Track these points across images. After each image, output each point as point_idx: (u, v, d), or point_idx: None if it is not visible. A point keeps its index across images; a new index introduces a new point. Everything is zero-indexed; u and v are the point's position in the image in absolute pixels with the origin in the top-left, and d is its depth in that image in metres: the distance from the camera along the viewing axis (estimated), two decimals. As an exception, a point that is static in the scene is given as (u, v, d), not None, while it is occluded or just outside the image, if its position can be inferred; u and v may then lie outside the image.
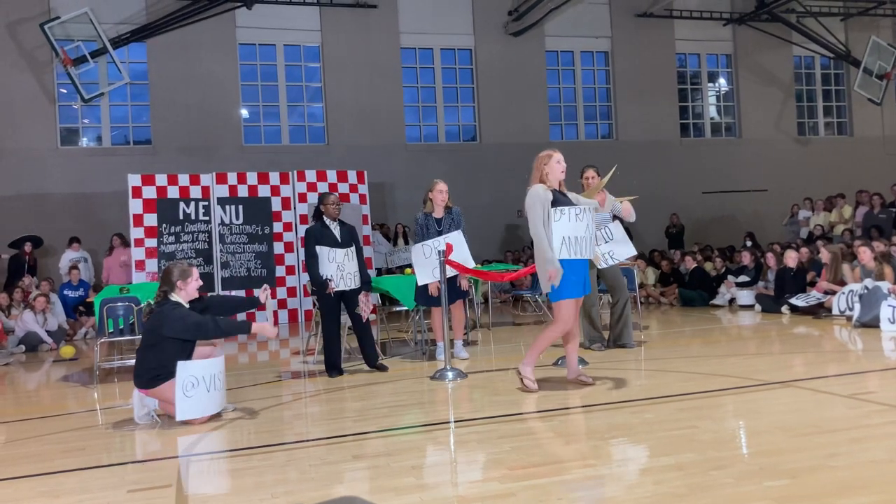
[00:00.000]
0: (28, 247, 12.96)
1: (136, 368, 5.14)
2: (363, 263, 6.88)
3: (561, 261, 5.25)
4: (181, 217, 11.80)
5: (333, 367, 6.70)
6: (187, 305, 5.17)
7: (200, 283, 5.27)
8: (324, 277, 6.56)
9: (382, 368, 6.81)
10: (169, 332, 5.00)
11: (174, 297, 5.13)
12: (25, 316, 10.28)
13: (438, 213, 7.05)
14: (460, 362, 6.92)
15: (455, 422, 4.82)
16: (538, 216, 5.28)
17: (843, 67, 19.14)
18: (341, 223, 6.81)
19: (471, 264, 6.91)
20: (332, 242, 6.66)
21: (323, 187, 12.57)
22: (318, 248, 6.60)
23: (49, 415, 5.77)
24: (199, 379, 4.91)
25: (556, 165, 5.40)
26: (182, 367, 4.91)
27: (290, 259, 12.39)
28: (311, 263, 6.63)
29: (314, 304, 8.24)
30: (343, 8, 15.65)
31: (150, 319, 5.15)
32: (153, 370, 5.02)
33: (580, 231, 5.30)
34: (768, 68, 18.47)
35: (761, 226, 16.61)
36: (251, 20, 15.21)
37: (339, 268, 6.61)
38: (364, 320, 6.76)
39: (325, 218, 6.75)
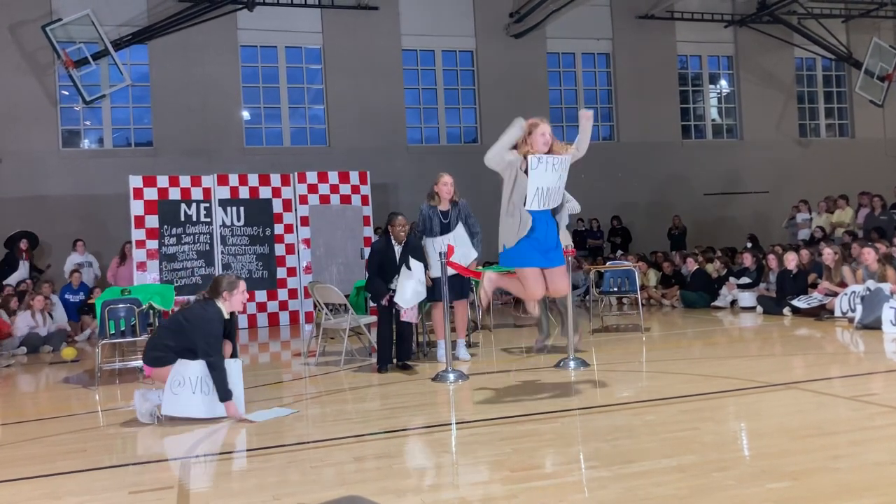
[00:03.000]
0: (24, 244, 12.86)
1: (147, 343, 5.31)
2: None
3: (520, 242, 5.08)
4: (182, 219, 11.81)
5: (385, 362, 6.83)
6: (227, 316, 5.24)
7: (246, 296, 5.33)
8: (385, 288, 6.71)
9: (407, 368, 6.87)
10: (189, 327, 5.07)
11: (218, 303, 5.20)
12: (19, 317, 10.26)
13: (444, 205, 7.08)
14: (462, 363, 6.91)
15: (456, 423, 4.82)
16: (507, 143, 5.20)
17: (844, 69, 19.11)
18: (405, 244, 6.87)
19: (473, 255, 6.94)
20: (391, 264, 6.78)
21: (324, 189, 12.59)
22: (405, 273, 6.70)
23: (50, 416, 5.77)
24: (185, 378, 5.00)
25: (538, 138, 5.19)
26: (179, 363, 5.06)
27: (291, 261, 12.40)
28: (373, 281, 6.83)
29: (314, 307, 8.24)
30: (344, 10, 15.64)
31: (187, 308, 5.36)
32: (161, 350, 5.14)
33: (553, 181, 5.11)
34: (769, 70, 18.45)
35: (763, 227, 16.57)
36: (253, 22, 15.20)
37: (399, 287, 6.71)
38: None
39: (391, 237, 6.87)
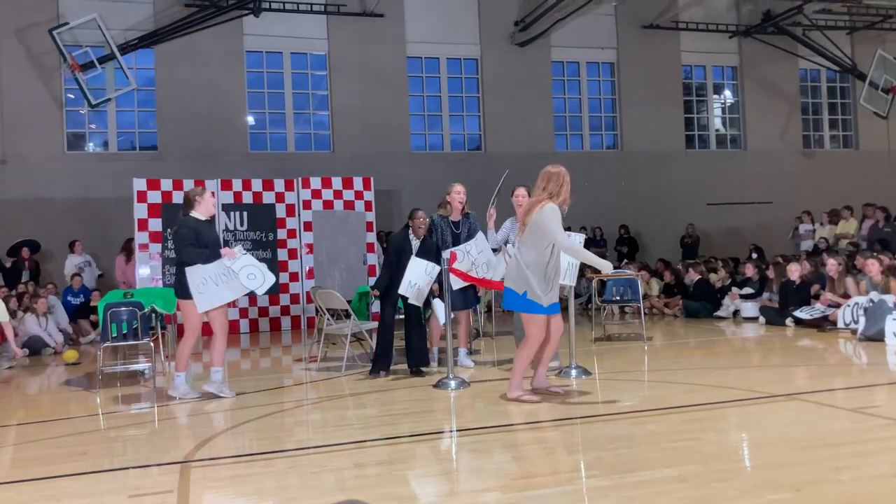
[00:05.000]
0: (26, 252, 12.92)
1: (176, 280, 6.21)
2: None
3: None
4: (186, 222, 11.80)
5: (378, 368, 6.84)
6: (205, 218, 6.22)
7: (214, 199, 6.37)
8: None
9: (420, 373, 6.85)
10: (174, 237, 6.15)
11: (194, 213, 6.16)
12: (27, 319, 10.27)
13: (455, 216, 7.09)
14: (464, 371, 6.90)
15: (457, 431, 4.81)
16: (562, 230, 5.33)
17: (848, 81, 19.11)
18: (424, 239, 6.91)
19: (501, 267, 6.91)
20: (407, 258, 6.76)
21: (328, 194, 12.61)
22: (415, 259, 6.68)
23: (51, 419, 5.77)
24: (205, 279, 6.02)
25: (569, 185, 5.43)
26: (190, 271, 5.99)
27: (293, 266, 12.41)
28: (385, 271, 6.91)
29: (317, 312, 8.24)
30: (350, 17, 15.69)
31: (175, 234, 6.21)
32: (178, 280, 6.09)
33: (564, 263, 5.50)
34: (774, 81, 18.46)
35: (766, 238, 16.56)
36: (258, 28, 15.26)
37: (426, 285, 6.68)
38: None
39: (410, 232, 6.90)
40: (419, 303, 6.68)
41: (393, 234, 7.06)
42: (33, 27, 13.95)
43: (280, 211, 12.46)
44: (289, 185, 12.57)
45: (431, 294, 7.02)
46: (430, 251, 6.84)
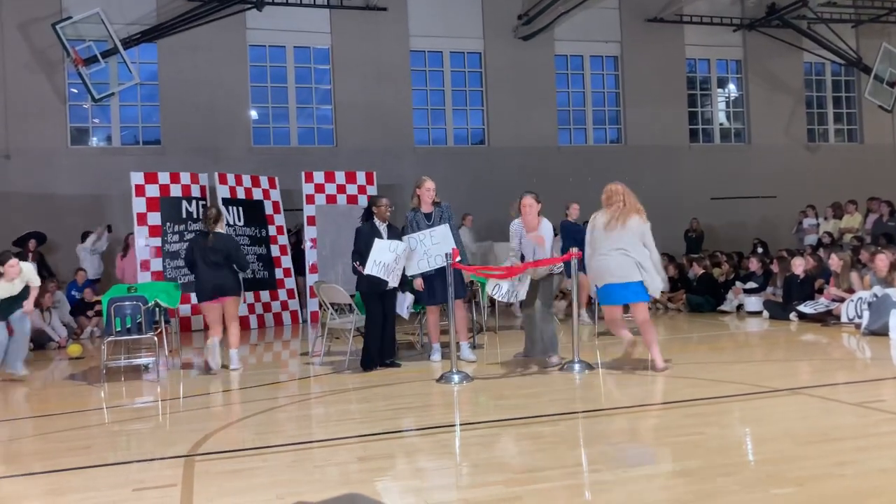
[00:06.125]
0: (32, 244, 12.92)
1: (221, 282, 7.11)
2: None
3: None
4: (184, 216, 11.77)
5: (369, 362, 6.91)
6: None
7: None
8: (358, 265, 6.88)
9: (396, 365, 6.97)
10: (234, 248, 7.24)
11: (220, 229, 7.21)
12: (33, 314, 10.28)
13: (426, 208, 7.14)
14: (467, 365, 6.89)
15: (460, 425, 4.81)
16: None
17: (853, 74, 19.02)
18: (389, 226, 7.07)
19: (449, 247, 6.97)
20: None
21: (331, 189, 12.61)
22: (377, 241, 6.79)
23: (55, 413, 5.79)
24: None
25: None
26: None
27: (286, 262, 12.49)
28: (357, 259, 6.95)
29: (320, 306, 8.25)
30: (353, 10, 15.65)
31: (221, 243, 7.14)
32: (235, 280, 7.23)
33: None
34: (778, 74, 18.38)
35: (770, 232, 16.51)
36: (261, 22, 15.22)
37: (394, 262, 6.77)
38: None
39: (375, 219, 7.02)
40: (395, 283, 6.80)
41: (358, 228, 7.15)
42: (36, 22, 13.93)
43: (268, 208, 12.51)
44: (272, 183, 12.75)
45: (401, 288, 7.11)
46: (397, 236, 6.99)
